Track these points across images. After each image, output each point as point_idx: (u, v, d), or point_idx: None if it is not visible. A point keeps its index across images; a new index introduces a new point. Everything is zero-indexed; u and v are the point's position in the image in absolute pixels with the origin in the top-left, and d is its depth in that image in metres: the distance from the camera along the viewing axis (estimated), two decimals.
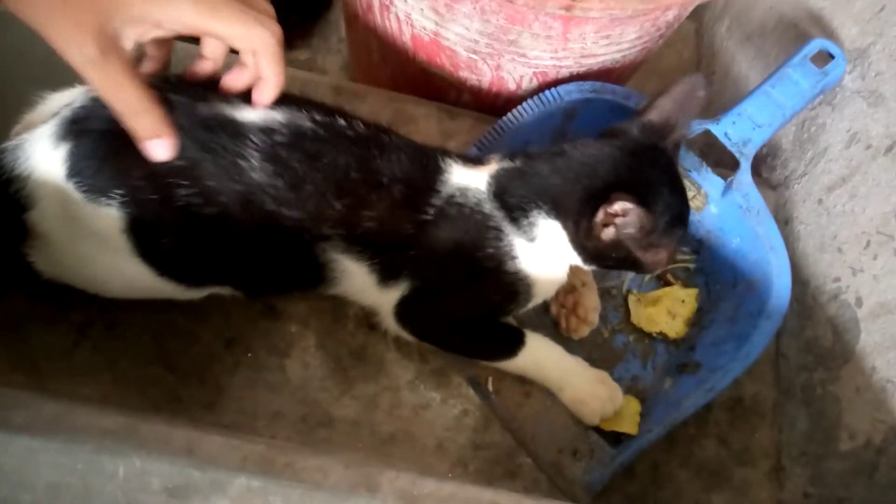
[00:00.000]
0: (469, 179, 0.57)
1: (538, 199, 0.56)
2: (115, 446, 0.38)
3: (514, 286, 0.58)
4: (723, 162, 0.67)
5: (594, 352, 0.68)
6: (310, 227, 0.54)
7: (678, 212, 0.58)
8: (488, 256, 0.57)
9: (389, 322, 0.61)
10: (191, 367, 0.61)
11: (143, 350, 0.61)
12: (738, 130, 0.66)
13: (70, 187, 0.50)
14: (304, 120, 0.54)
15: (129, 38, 0.45)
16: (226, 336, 0.63)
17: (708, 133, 0.66)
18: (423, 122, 0.73)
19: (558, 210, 0.56)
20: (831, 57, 0.67)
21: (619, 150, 0.56)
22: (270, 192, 0.52)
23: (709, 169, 0.66)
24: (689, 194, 0.67)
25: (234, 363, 0.62)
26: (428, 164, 0.57)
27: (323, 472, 0.39)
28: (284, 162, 0.52)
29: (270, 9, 0.49)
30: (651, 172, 0.57)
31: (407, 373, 0.64)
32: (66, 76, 0.65)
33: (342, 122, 0.55)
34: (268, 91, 0.51)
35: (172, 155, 0.49)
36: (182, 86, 0.53)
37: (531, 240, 0.57)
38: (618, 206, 0.52)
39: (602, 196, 0.53)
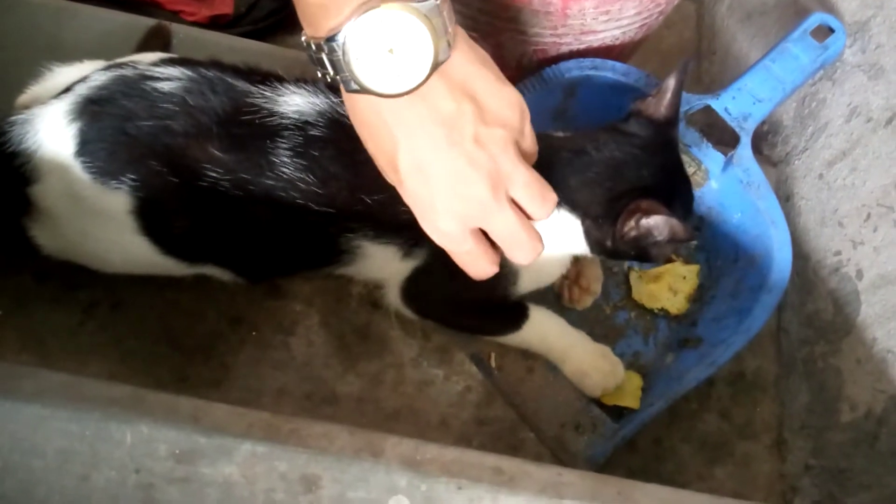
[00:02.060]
0: None
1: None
2: (123, 414, 0.38)
3: (516, 272, 0.59)
4: (723, 142, 0.67)
5: (596, 328, 0.68)
6: (337, 220, 0.55)
7: (690, 203, 0.60)
8: None
9: (394, 297, 0.61)
10: (196, 346, 0.62)
11: (149, 329, 0.62)
12: (738, 105, 0.66)
13: (77, 166, 0.51)
14: (344, 109, 0.53)
15: None
16: (231, 315, 0.63)
17: (709, 113, 0.66)
18: None
19: (575, 207, 0.56)
20: (831, 31, 0.67)
21: (640, 150, 0.56)
22: (300, 185, 0.52)
23: (709, 145, 0.66)
24: (690, 170, 0.67)
25: (240, 341, 0.63)
26: None
27: (328, 438, 0.40)
28: (316, 158, 0.52)
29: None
30: (670, 172, 0.58)
31: (410, 350, 0.65)
32: (67, 59, 0.66)
33: None
34: None
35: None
36: (228, 70, 0.53)
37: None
38: (649, 218, 0.53)
39: (628, 199, 0.54)
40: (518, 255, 0.47)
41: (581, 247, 0.58)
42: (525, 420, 0.63)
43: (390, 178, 0.46)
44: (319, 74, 0.41)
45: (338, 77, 0.40)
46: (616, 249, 0.56)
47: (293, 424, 0.40)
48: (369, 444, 0.39)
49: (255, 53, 0.74)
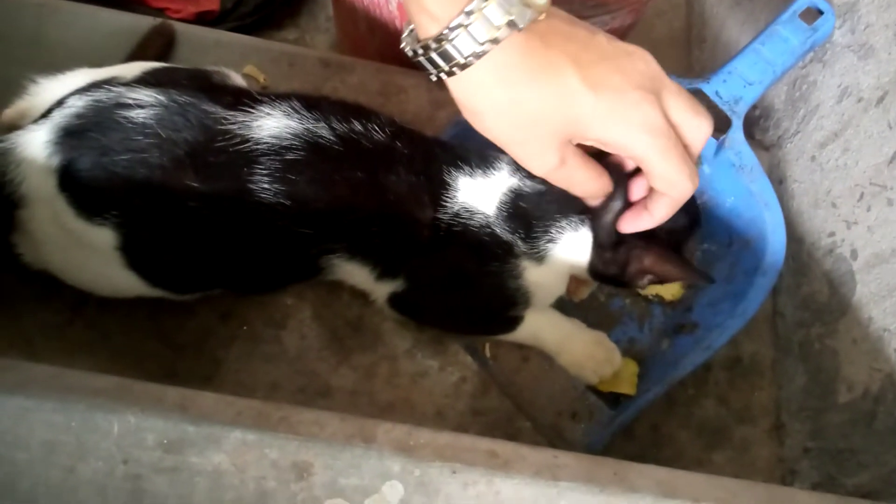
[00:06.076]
0: (475, 198, 0.55)
1: (562, 218, 0.55)
2: (109, 404, 0.38)
3: (513, 300, 0.58)
4: (715, 128, 0.67)
5: (591, 315, 0.67)
6: (317, 241, 0.55)
7: (694, 218, 0.58)
8: (490, 273, 0.57)
9: (384, 307, 0.61)
10: (186, 341, 0.61)
11: (139, 325, 0.61)
12: (728, 88, 0.66)
13: (62, 200, 0.50)
14: (321, 130, 0.53)
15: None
16: (221, 310, 0.63)
17: (700, 98, 0.66)
18: (413, 92, 0.73)
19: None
20: (820, 13, 0.67)
21: None
22: (280, 210, 0.52)
23: None
24: None
25: (231, 336, 0.62)
26: (434, 178, 0.55)
27: (318, 425, 0.39)
28: (295, 182, 0.52)
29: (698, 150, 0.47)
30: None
31: (404, 342, 0.64)
32: (50, 57, 0.65)
33: (359, 127, 0.54)
34: (640, 225, 0.51)
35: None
36: (201, 93, 0.52)
37: (539, 260, 0.56)
38: (660, 268, 0.53)
39: (637, 241, 0.53)
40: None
41: (578, 270, 0.57)
42: (521, 409, 0.63)
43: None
44: (435, 71, 0.41)
45: (487, 43, 0.38)
46: (618, 281, 0.56)
47: (283, 412, 0.39)
48: (361, 430, 0.39)
49: (243, 47, 0.73)
